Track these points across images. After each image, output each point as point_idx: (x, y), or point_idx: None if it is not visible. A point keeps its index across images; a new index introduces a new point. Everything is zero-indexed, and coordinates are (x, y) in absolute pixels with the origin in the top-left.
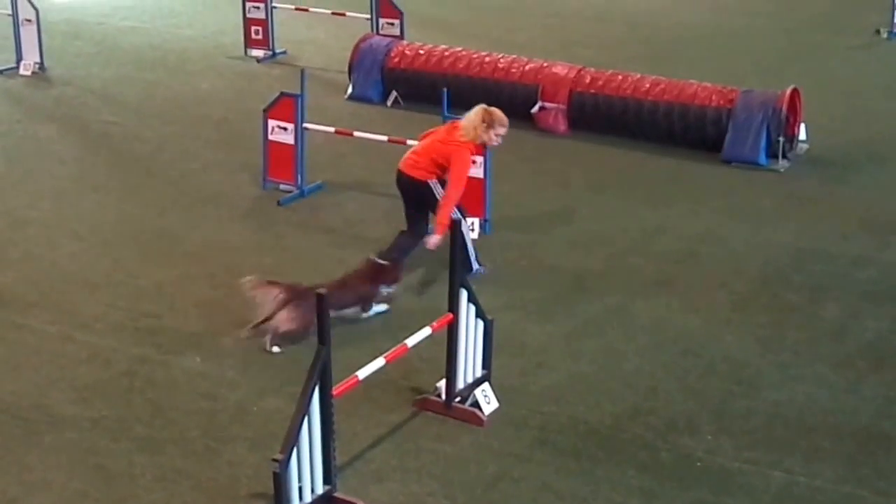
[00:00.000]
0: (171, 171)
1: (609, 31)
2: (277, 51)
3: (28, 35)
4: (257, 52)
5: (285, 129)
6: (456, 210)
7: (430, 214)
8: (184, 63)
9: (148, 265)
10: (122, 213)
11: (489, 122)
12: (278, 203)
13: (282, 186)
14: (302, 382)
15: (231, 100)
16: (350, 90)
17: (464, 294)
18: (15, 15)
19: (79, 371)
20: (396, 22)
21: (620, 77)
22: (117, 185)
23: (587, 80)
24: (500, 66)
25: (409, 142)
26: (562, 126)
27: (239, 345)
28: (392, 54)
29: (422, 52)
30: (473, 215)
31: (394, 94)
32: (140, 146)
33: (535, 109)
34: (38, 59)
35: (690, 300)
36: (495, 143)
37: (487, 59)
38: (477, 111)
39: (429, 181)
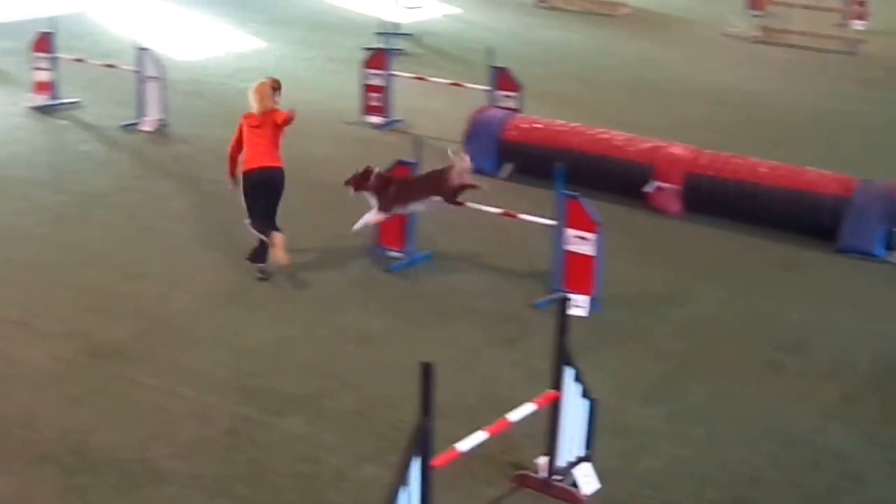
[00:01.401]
0: (282, 232)
1: (724, 113)
2: (394, 118)
3: (152, 92)
4: (374, 119)
5: None
6: (562, 289)
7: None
8: (301, 126)
9: (255, 325)
10: (232, 273)
11: (275, 88)
12: (387, 270)
13: (391, 254)
14: (402, 451)
15: (346, 165)
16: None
17: (570, 373)
18: (141, 72)
19: (181, 427)
20: (515, 95)
21: (737, 160)
22: (229, 244)
23: (703, 162)
24: (616, 143)
25: (522, 216)
26: (675, 207)
27: (339, 409)
28: (508, 127)
29: (538, 125)
30: (582, 293)
31: (508, 166)
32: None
33: (648, 189)
34: (160, 117)
35: (798, 390)
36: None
37: (603, 135)
38: (260, 87)
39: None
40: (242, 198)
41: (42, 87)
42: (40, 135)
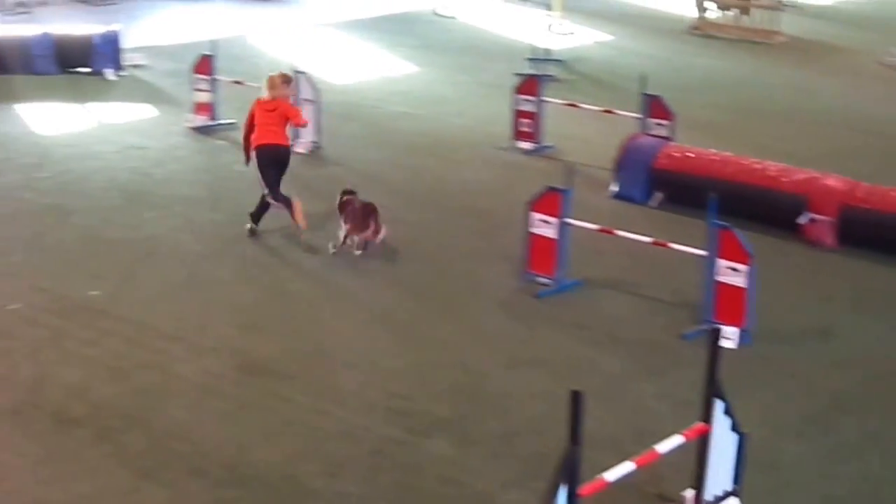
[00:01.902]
0: (431, 256)
1: (880, 144)
2: (545, 144)
3: (307, 115)
4: (525, 145)
5: (548, 223)
6: (711, 320)
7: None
8: (451, 151)
9: (403, 347)
10: (382, 295)
11: (286, 81)
12: (536, 296)
13: (540, 280)
14: (547, 478)
15: (495, 190)
16: (614, 188)
17: (720, 405)
18: (296, 94)
19: (329, 446)
20: (667, 123)
21: (895, 193)
22: (379, 266)
23: (859, 194)
24: (769, 173)
25: (672, 245)
26: (829, 239)
27: (485, 433)
28: (660, 155)
29: (690, 154)
30: (732, 325)
31: (659, 195)
32: (403, 229)
33: (802, 221)
34: (314, 139)
35: None
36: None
37: (756, 165)
38: (272, 78)
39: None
40: (257, 171)
41: (201, 108)
42: (198, 154)
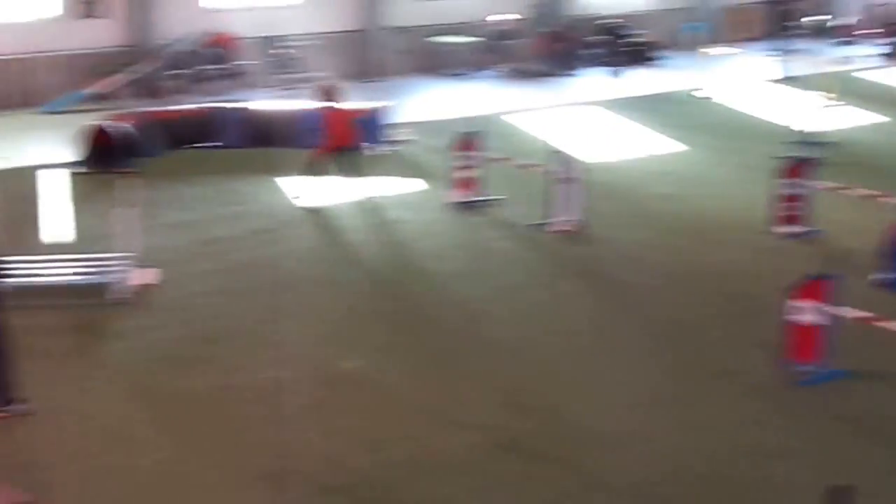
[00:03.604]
0: (687, 338)
1: None
2: (811, 229)
3: (567, 193)
4: (787, 229)
5: (810, 310)
6: None
7: None
8: (711, 233)
9: (662, 430)
10: (637, 376)
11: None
12: (796, 384)
13: (800, 367)
14: None
15: (754, 273)
16: (879, 275)
17: None
18: (556, 173)
19: None
20: None
21: None
22: (635, 347)
23: None
24: None
25: None
26: None
27: None
28: None
29: None
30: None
31: None
32: (660, 310)
33: None
34: (574, 217)
35: None
36: None
37: None
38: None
39: None
40: None
41: (463, 184)
42: (458, 229)
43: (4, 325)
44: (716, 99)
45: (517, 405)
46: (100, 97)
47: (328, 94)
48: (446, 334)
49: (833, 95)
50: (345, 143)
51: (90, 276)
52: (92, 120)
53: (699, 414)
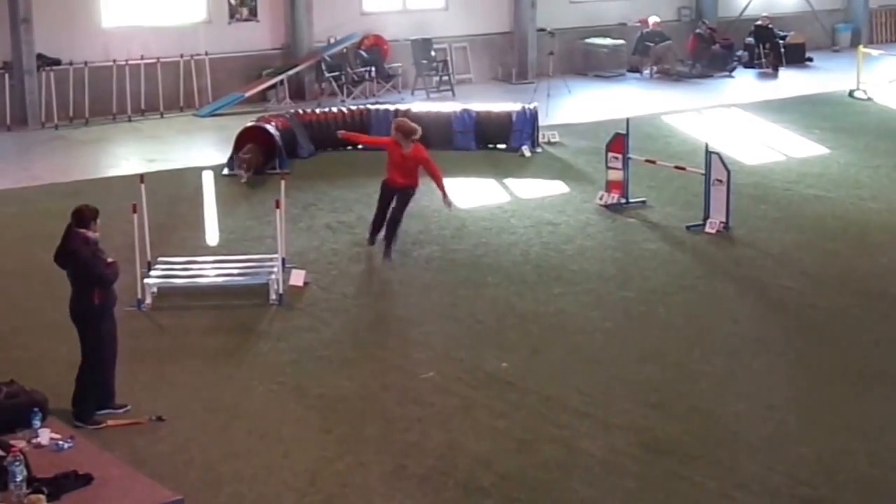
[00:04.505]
0: (842, 342)
1: None
2: None
3: (718, 195)
4: None
5: None
6: None
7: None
8: (865, 235)
9: (810, 433)
10: (790, 378)
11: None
12: None
13: None
14: None
15: None
16: None
17: None
18: (708, 175)
19: None
20: None
21: None
22: (789, 349)
23: None
24: None
25: None
26: None
27: None
28: None
29: None
30: None
31: None
32: (814, 314)
33: None
34: (724, 219)
35: None
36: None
37: None
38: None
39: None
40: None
41: (614, 185)
42: (608, 231)
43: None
44: (876, 100)
45: (663, 406)
46: (255, 99)
47: (403, 132)
48: (596, 334)
49: None
50: (407, 182)
51: (245, 278)
52: (246, 122)
53: (854, 416)
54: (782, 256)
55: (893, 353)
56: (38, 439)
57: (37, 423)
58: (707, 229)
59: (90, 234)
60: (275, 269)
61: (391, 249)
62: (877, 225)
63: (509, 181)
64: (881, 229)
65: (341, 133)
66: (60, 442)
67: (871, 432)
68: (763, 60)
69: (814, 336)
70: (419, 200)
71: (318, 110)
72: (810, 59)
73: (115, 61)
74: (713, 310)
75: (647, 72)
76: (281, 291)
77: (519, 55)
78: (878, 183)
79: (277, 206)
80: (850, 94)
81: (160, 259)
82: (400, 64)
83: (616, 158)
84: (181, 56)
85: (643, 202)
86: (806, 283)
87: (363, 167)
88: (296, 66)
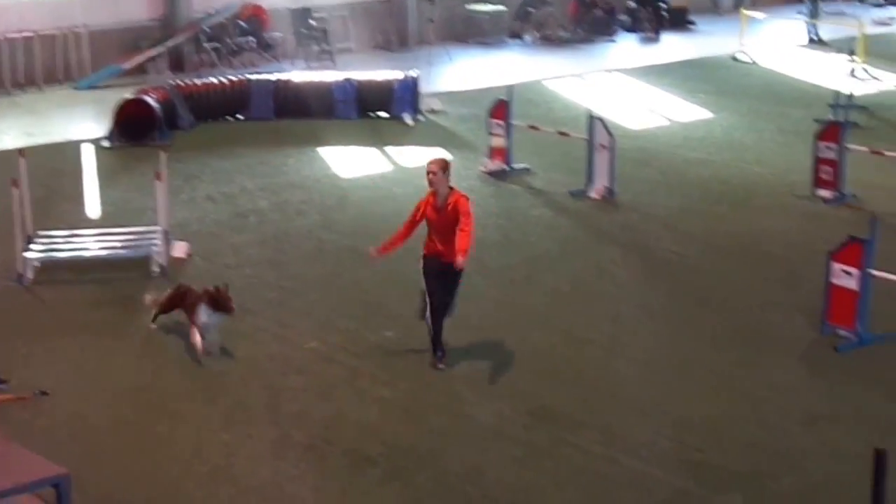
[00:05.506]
0: (728, 306)
1: None
2: (847, 193)
3: (601, 160)
4: (825, 193)
5: (850, 274)
6: None
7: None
8: (749, 199)
9: (697, 398)
10: (676, 343)
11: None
12: (835, 349)
13: (841, 332)
14: None
15: (793, 239)
16: None
17: None
18: (591, 140)
19: (620, 495)
20: None
21: None
22: (673, 314)
23: None
24: None
25: None
26: None
27: (781, 490)
28: None
29: None
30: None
31: None
32: (698, 278)
33: None
34: (607, 184)
35: None
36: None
37: None
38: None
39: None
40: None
41: (496, 152)
42: (492, 199)
43: None
44: (759, 64)
45: (549, 373)
46: (134, 71)
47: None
48: (481, 302)
49: (864, 59)
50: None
51: (127, 250)
52: (125, 94)
53: (741, 381)
54: (667, 221)
55: (779, 316)
56: None
57: None
58: (591, 194)
59: None
60: (157, 241)
61: (439, 350)
62: (761, 188)
63: (391, 150)
64: (765, 193)
65: (373, 252)
66: None
67: (758, 396)
68: (645, 24)
69: (700, 300)
70: (300, 171)
71: (197, 81)
72: (692, 23)
73: None
74: (598, 276)
75: (528, 38)
76: (164, 263)
77: (398, 23)
78: (762, 146)
79: (158, 178)
80: (734, 57)
81: (41, 233)
82: (280, 33)
83: (499, 125)
84: (58, 29)
85: (527, 169)
86: (691, 248)
87: (244, 138)
88: (174, 36)
